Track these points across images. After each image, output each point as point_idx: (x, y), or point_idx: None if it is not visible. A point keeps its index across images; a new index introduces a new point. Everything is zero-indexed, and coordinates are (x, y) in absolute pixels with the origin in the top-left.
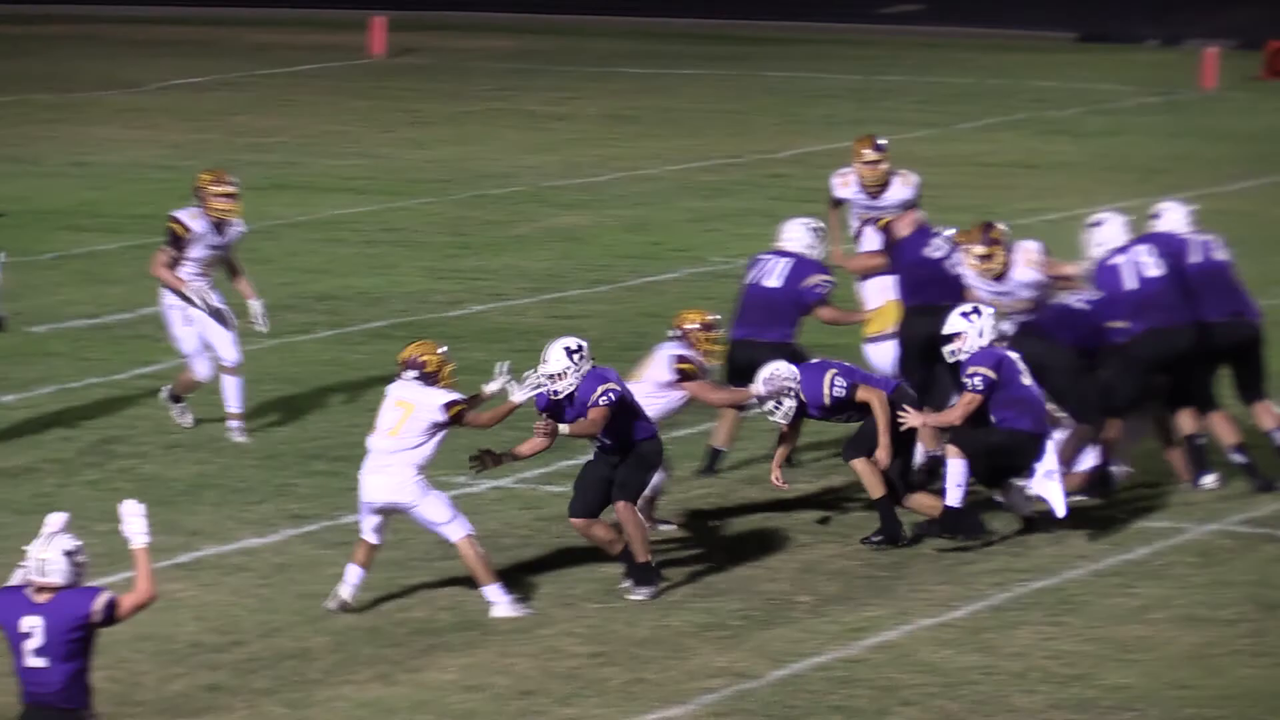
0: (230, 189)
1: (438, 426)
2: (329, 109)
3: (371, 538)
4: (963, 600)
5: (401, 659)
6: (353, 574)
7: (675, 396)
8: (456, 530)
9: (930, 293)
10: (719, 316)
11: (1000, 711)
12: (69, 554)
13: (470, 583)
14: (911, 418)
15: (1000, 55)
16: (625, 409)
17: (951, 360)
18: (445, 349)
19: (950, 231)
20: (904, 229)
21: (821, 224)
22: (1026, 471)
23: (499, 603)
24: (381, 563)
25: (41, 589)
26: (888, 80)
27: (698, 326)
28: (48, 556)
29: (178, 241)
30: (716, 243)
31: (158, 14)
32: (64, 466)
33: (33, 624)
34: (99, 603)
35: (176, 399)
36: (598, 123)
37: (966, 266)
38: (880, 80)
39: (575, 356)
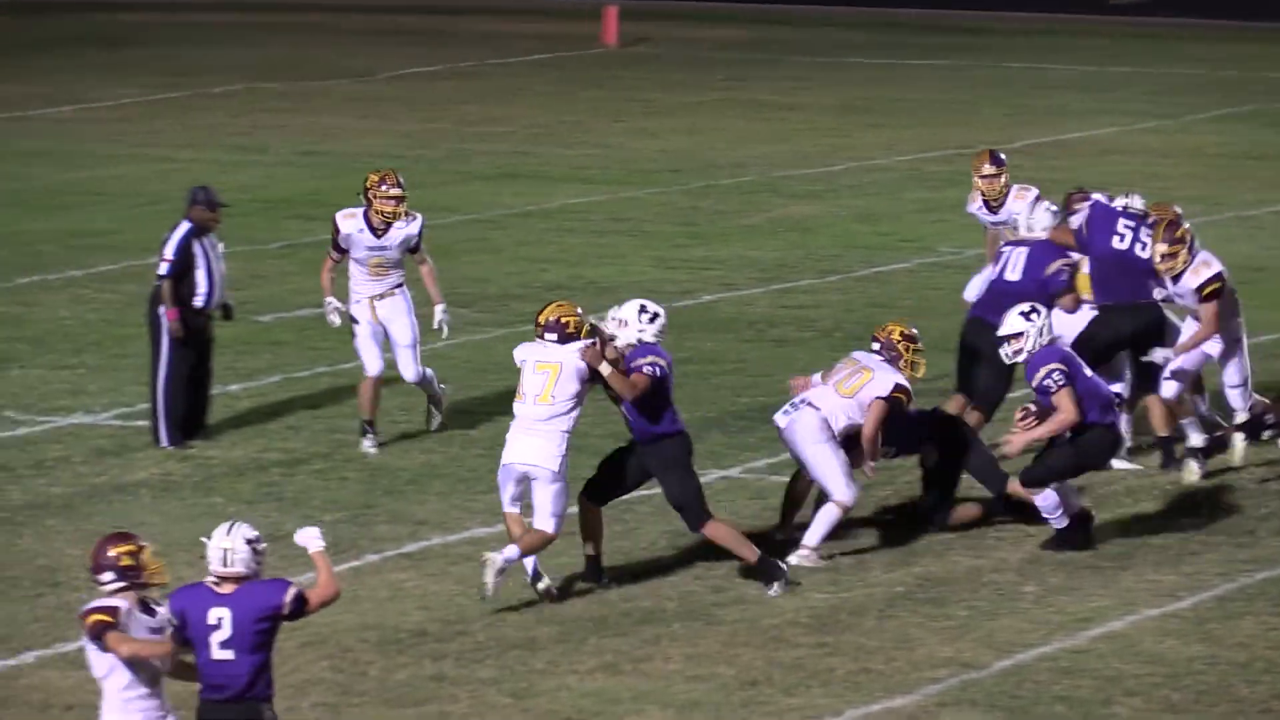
0: (396, 190)
1: (581, 382)
2: (560, 98)
3: (513, 508)
4: (1187, 591)
5: (627, 649)
6: (511, 551)
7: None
8: (552, 525)
9: (1118, 288)
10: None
11: (1223, 701)
12: (251, 543)
13: (696, 573)
14: (1016, 440)
15: (1230, 46)
16: (662, 391)
17: (1010, 362)
18: (581, 310)
19: (1139, 202)
20: (1077, 206)
21: (1056, 207)
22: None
23: (506, 557)
24: (608, 552)
25: (225, 580)
26: (1117, 71)
27: (903, 338)
28: (231, 546)
29: (335, 243)
30: (945, 233)
31: (389, 3)
32: (290, 456)
33: (220, 615)
34: (290, 595)
35: (368, 427)
36: (828, 113)
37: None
38: (1109, 71)
39: (644, 317)
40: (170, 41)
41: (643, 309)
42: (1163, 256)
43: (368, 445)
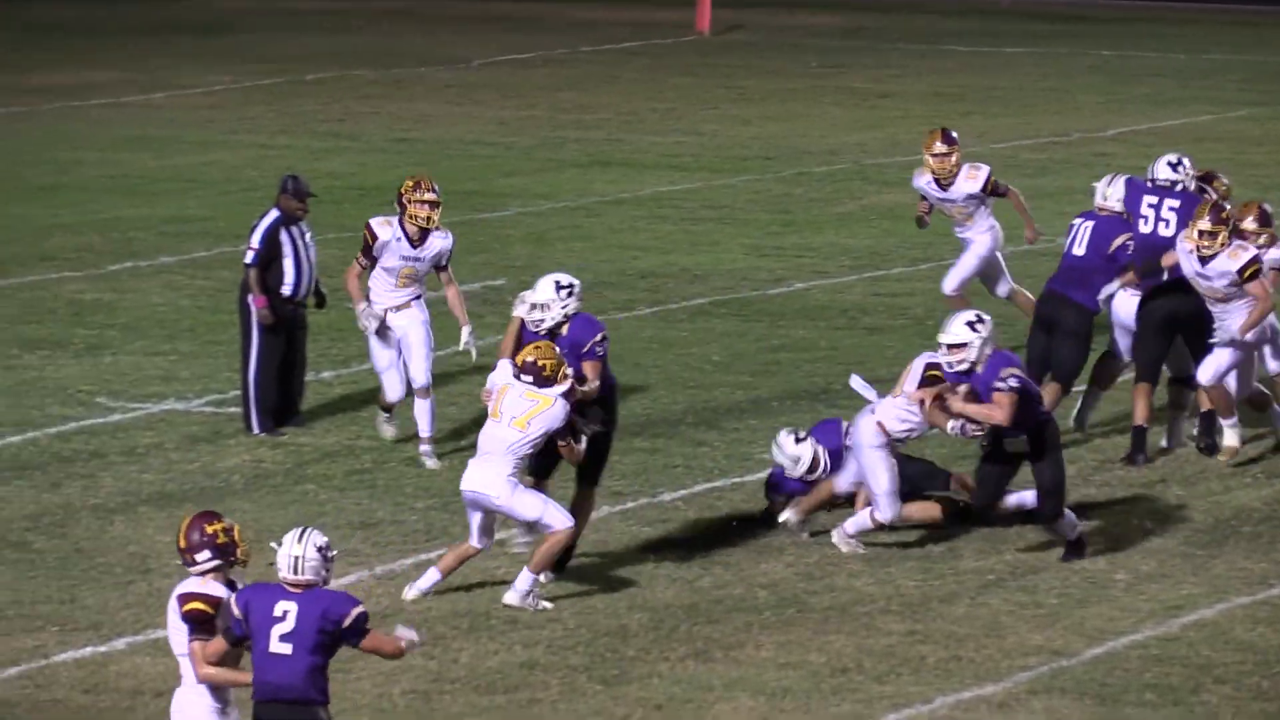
0: (431, 196)
1: (557, 431)
2: (653, 86)
3: (475, 541)
4: (1278, 578)
5: (718, 636)
6: (428, 578)
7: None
8: (559, 520)
9: (1156, 271)
10: None
11: None
12: (321, 550)
13: (788, 560)
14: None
15: None
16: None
17: (953, 370)
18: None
19: (1162, 170)
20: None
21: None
22: None
23: (521, 591)
24: (700, 540)
25: (294, 585)
26: (1211, 59)
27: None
28: (301, 553)
29: (368, 249)
30: (1039, 221)
31: None
32: (382, 443)
33: (287, 608)
34: (356, 611)
35: (386, 409)
36: (922, 100)
37: (1183, 240)
38: (1204, 59)
39: (562, 293)
40: (263, 28)
41: (558, 285)
42: (1201, 233)
43: (383, 423)
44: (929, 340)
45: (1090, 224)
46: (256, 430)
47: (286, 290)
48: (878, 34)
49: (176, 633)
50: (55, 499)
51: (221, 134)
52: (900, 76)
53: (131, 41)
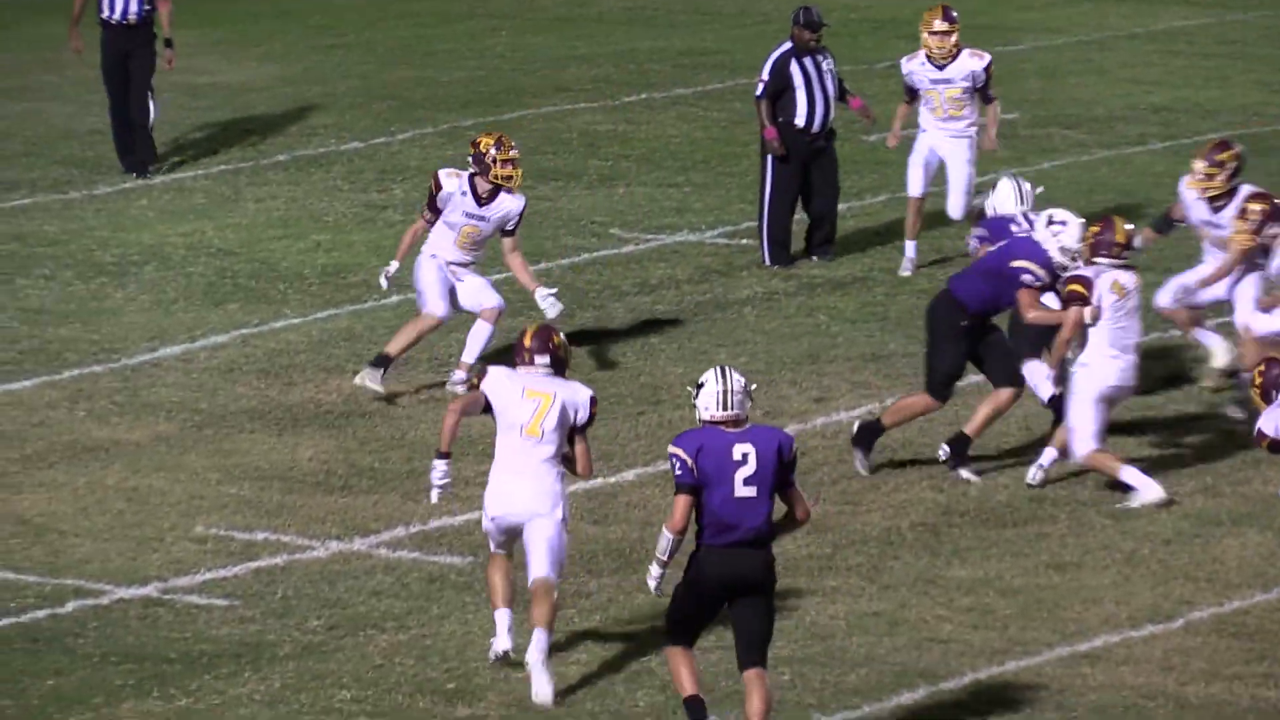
0: (515, 154)
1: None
2: None
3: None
4: None
5: (1226, 471)
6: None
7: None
8: (1083, 446)
9: None
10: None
11: None
12: (744, 384)
13: None
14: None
15: None
16: None
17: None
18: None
19: None
20: None
21: None
22: None
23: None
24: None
25: (727, 424)
26: None
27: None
28: (730, 387)
29: (431, 201)
30: None
31: None
32: (895, 276)
33: (745, 450)
34: (789, 450)
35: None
36: None
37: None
38: None
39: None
40: None
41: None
42: (1201, 175)
43: (368, 379)
44: None
45: None
46: (769, 262)
47: (799, 122)
48: None
49: (552, 417)
50: (567, 329)
51: None
52: None
53: None
